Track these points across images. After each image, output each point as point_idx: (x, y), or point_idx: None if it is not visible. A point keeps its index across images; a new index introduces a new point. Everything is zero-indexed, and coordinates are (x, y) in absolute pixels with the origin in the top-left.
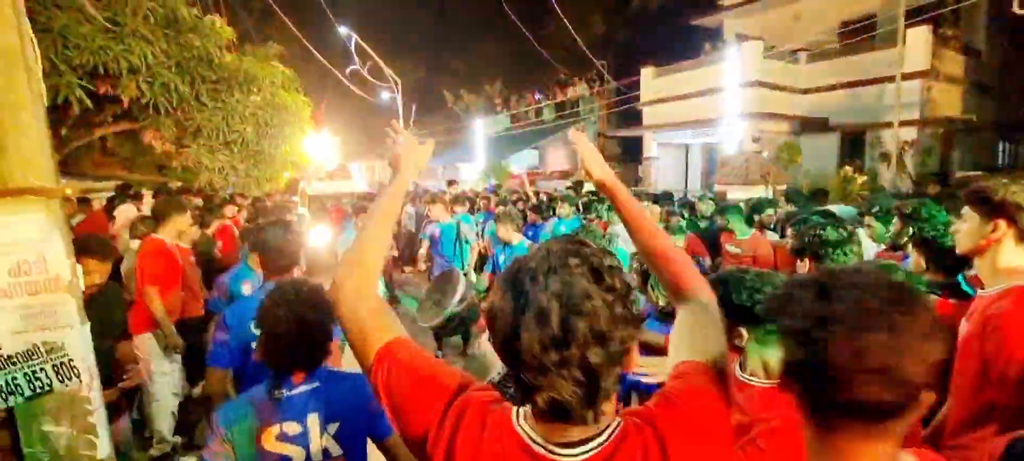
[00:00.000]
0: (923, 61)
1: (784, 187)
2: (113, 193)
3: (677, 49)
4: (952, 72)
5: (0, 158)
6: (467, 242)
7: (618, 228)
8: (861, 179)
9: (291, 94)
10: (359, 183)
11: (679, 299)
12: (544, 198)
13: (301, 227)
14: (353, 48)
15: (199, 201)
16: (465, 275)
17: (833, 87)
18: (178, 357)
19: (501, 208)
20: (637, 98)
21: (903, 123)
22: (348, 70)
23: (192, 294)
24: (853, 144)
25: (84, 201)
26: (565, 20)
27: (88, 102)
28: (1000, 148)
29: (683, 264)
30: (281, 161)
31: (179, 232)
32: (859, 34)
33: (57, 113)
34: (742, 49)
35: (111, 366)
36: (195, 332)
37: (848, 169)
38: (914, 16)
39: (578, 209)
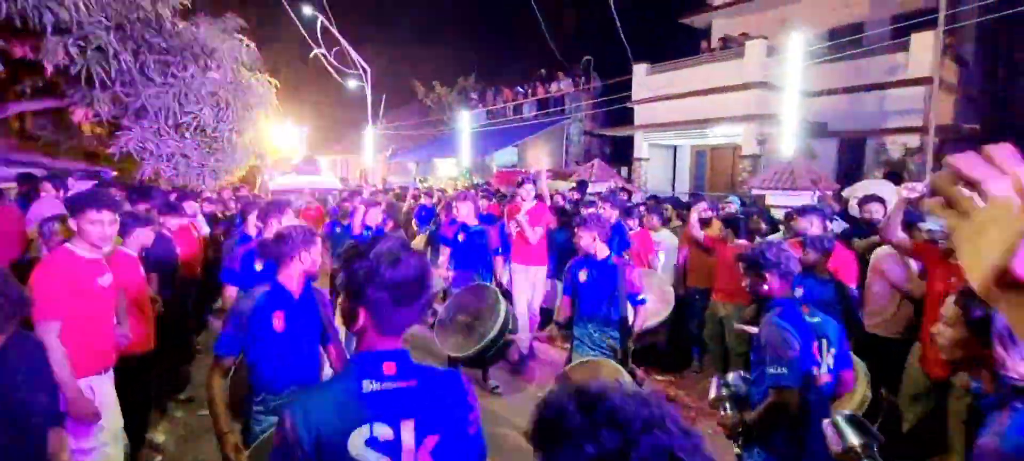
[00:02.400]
0: (927, 68)
1: (830, 193)
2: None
3: (666, 48)
4: (949, 80)
5: None
6: (496, 251)
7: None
8: None
9: (255, 74)
10: (329, 178)
11: None
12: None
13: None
14: (318, 30)
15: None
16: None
17: (833, 91)
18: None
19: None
20: (628, 97)
21: (906, 130)
22: (312, 54)
23: (141, 320)
24: (852, 150)
25: None
26: (539, 14)
27: None
28: None
29: None
30: (243, 150)
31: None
32: (848, 39)
33: None
34: (747, 48)
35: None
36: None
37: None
38: (899, 21)
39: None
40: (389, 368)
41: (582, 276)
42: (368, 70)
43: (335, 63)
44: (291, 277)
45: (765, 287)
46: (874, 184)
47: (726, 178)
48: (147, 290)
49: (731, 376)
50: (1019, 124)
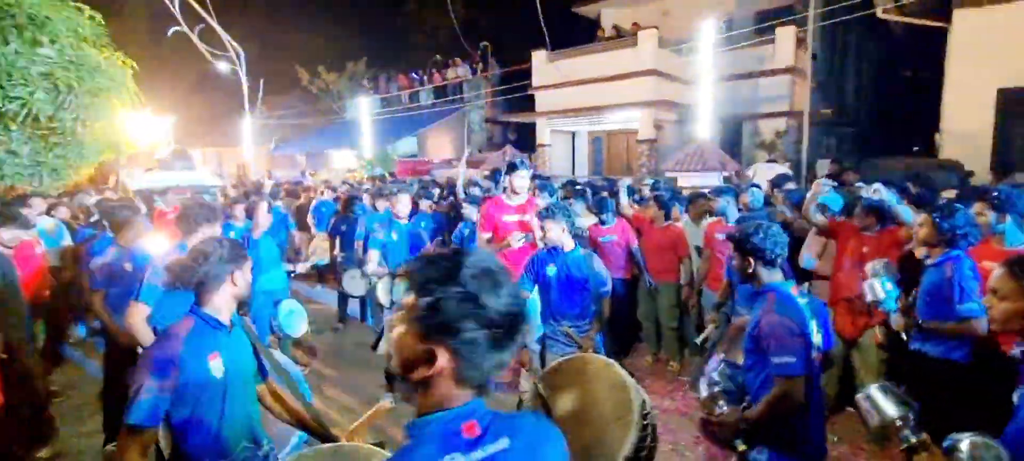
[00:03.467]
0: (790, 58)
1: (735, 173)
2: None
3: (559, 35)
4: (805, 70)
5: None
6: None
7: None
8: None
9: (103, 51)
10: (205, 174)
11: None
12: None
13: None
14: (176, 6)
15: None
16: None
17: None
18: None
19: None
20: (528, 84)
21: (776, 114)
22: (171, 31)
23: None
24: (730, 132)
25: None
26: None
27: None
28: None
29: None
30: (92, 143)
31: None
32: (722, 32)
33: None
34: (640, 37)
35: None
36: None
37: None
38: (766, 20)
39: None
40: (471, 430)
41: (551, 271)
42: (241, 53)
43: (201, 44)
44: (222, 308)
45: (751, 270)
46: (764, 166)
47: (622, 162)
48: None
49: (714, 367)
50: (851, 107)
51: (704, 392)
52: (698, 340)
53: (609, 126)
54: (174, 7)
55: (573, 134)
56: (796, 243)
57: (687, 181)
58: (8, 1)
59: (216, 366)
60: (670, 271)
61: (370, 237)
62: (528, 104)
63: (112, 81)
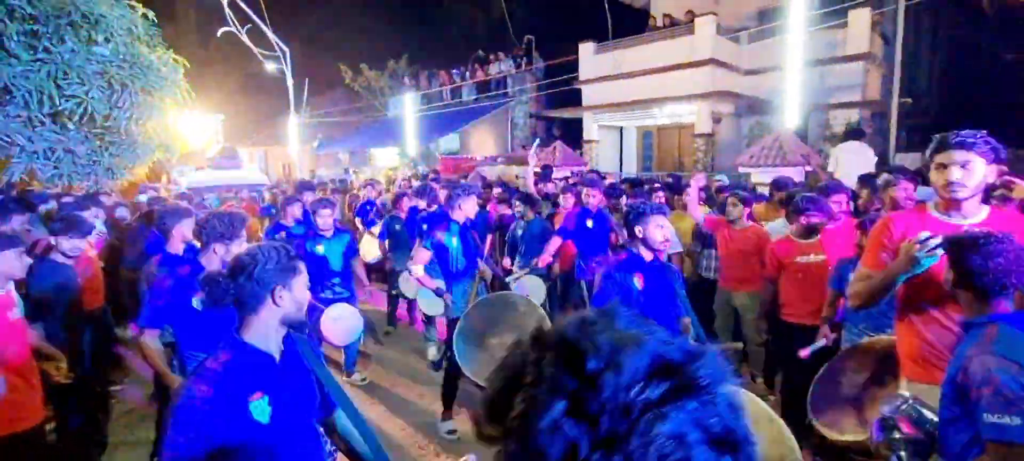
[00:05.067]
0: (864, 44)
1: (818, 167)
2: None
3: (602, 27)
4: (878, 57)
5: None
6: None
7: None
8: None
9: (156, 49)
10: (254, 173)
11: None
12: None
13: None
14: (226, 7)
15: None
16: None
17: (775, 68)
18: None
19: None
20: (573, 77)
21: (847, 105)
22: (220, 32)
23: (22, 388)
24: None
25: None
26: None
27: None
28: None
29: None
30: (144, 142)
31: None
32: (774, 20)
33: None
34: (697, 24)
35: None
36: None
37: None
38: (837, 2)
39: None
40: None
41: (638, 282)
42: (287, 51)
43: (249, 43)
44: (268, 335)
45: (972, 292)
46: (846, 147)
47: (673, 158)
48: (27, 347)
49: (901, 404)
50: (925, 96)
51: (878, 436)
52: (804, 354)
53: (660, 120)
54: (225, 6)
55: (621, 130)
56: None
57: (764, 177)
58: (63, 1)
59: (259, 409)
60: (755, 278)
61: (431, 238)
62: (574, 99)
63: (165, 79)
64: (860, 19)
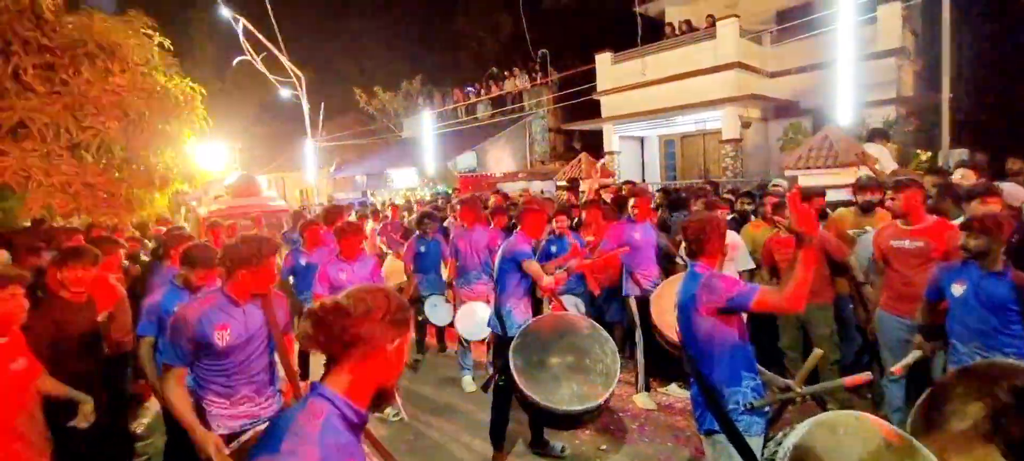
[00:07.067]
0: (896, 39)
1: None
2: None
3: (615, 36)
4: (910, 51)
5: None
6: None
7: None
8: (925, 156)
9: (173, 79)
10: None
11: None
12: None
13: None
14: (241, 34)
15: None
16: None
17: (802, 69)
18: None
19: None
20: (590, 88)
21: (879, 102)
22: (236, 61)
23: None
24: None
25: None
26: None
27: None
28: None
29: None
30: (162, 173)
31: None
32: (793, 20)
33: None
34: (718, 27)
35: None
36: None
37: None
38: None
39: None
40: None
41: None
42: (302, 77)
43: (265, 71)
44: (367, 392)
45: None
46: (869, 148)
47: (698, 166)
48: (30, 401)
49: None
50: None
51: None
52: (893, 369)
53: (682, 128)
54: (241, 37)
55: (642, 140)
56: None
57: (812, 181)
58: (79, 30)
59: None
60: (822, 289)
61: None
62: (593, 111)
63: (182, 108)
64: (891, 13)
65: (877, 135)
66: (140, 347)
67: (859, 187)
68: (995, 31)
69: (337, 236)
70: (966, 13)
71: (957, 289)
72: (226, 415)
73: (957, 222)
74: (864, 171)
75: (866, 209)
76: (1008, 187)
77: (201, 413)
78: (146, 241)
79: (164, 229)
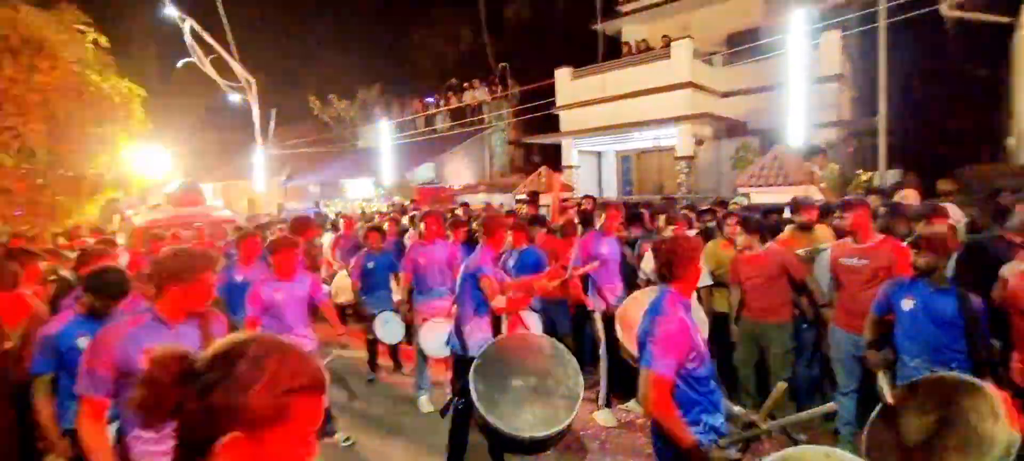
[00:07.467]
0: (836, 65)
1: (824, 186)
2: None
3: (574, 53)
4: (848, 77)
5: None
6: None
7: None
8: (866, 176)
9: (109, 78)
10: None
11: None
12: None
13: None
14: (188, 34)
15: None
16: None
17: (750, 91)
18: None
19: None
20: (549, 103)
21: (824, 125)
22: (181, 63)
23: None
24: (771, 146)
25: None
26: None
27: None
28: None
29: None
30: (93, 180)
31: None
32: (742, 44)
33: None
34: (673, 48)
35: None
36: None
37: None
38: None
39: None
40: None
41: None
42: (253, 82)
43: (214, 75)
44: None
45: None
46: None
47: (654, 182)
48: None
49: None
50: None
51: None
52: (888, 400)
53: (639, 145)
54: (187, 37)
55: (599, 155)
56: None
57: (763, 198)
58: (1, 22)
59: None
60: (780, 307)
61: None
62: (552, 125)
63: (119, 110)
64: (832, 41)
65: (813, 153)
66: (35, 387)
67: (796, 206)
68: (924, 59)
69: (270, 251)
70: (895, 42)
71: (907, 304)
72: (156, 452)
73: (906, 242)
74: (804, 190)
75: (804, 228)
76: (949, 208)
77: (124, 452)
78: (68, 253)
79: (92, 241)
